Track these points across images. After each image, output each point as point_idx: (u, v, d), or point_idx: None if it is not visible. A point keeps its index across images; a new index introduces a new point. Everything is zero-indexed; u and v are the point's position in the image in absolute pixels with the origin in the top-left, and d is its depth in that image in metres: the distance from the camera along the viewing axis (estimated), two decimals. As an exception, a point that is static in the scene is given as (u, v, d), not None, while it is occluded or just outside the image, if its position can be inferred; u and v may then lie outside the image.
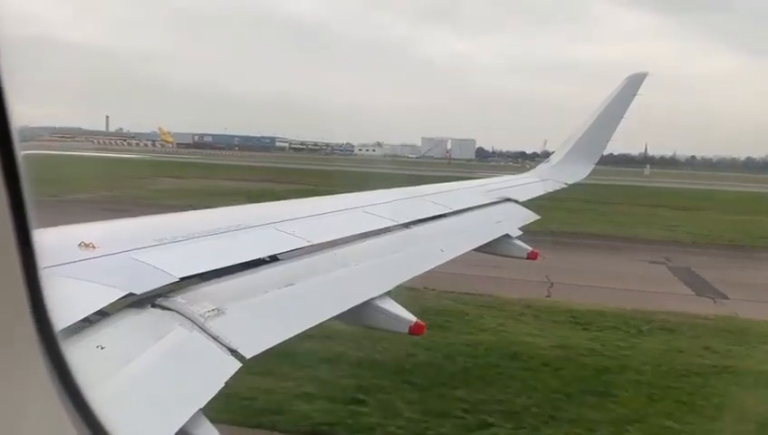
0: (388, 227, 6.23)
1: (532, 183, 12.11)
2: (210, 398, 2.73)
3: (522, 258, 8.46)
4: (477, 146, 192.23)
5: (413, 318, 4.64)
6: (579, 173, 13.29)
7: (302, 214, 5.69)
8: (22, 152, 1.35)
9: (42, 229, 3.66)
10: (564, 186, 12.75)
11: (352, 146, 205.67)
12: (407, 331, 4.64)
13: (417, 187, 9.82)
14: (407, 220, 6.61)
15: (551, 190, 12.07)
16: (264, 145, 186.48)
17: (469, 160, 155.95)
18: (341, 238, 5.36)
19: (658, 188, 70.13)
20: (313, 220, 5.65)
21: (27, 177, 1.36)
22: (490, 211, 9.01)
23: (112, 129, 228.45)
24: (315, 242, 4.93)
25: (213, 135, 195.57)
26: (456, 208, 8.00)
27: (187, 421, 2.55)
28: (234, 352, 3.07)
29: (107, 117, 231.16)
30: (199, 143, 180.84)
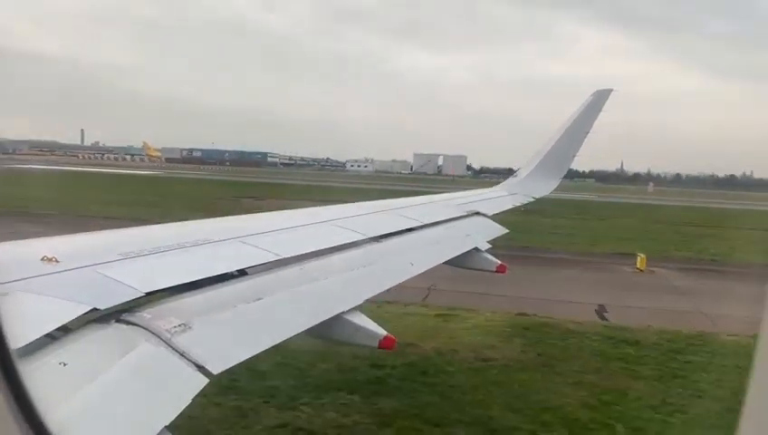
0: (359, 241, 6.22)
1: (500, 197, 12.26)
2: (176, 415, 2.68)
3: (490, 271, 8.54)
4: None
5: (383, 332, 4.63)
6: (546, 187, 13.51)
7: (271, 228, 5.65)
8: None
9: (1, 243, 3.58)
10: (532, 200, 12.93)
11: (342, 162, 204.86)
12: (377, 345, 4.62)
13: (388, 200, 9.83)
14: (377, 234, 6.62)
15: (518, 204, 12.24)
16: (254, 160, 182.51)
17: (462, 177, 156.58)
18: (311, 252, 5.33)
19: (703, 207, 64.36)
20: (283, 234, 5.62)
21: None
22: (459, 225, 9.07)
23: (88, 142, 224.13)
24: (284, 256, 4.89)
25: (202, 150, 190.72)
26: (426, 222, 8.04)
27: None
28: (201, 368, 3.03)
29: (82, 130, 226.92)
30: (188, 158, 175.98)
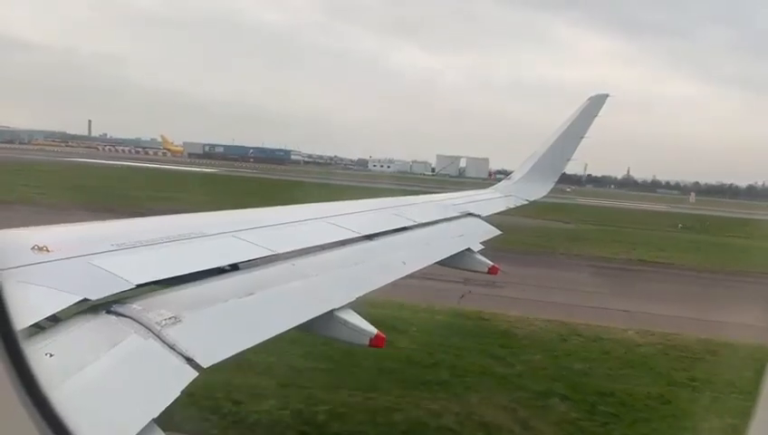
0: (352, 239, 6.22)
1: (494, 199, 12.27)
2: (164, 408, 2.66)
3: (482, 273, 8.55)
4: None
5: (374, 330, 4.62)
6: (540, 190, 13.54)
7: (264, 223, 5.63)
8: None
9: None
10: (525, 202, 12.96)
11: (354, 160, 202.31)
12: (367, 343, 4.62)
13: (382, 199, 9.81)
14: (370, 232, 6.61)
15: (512, 206, 12.26)
16: (278, 158, 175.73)
17: (485, 179, 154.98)
18: (304, 248, 5.33)
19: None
20: (276, 230, 5.61)
21: None
22: (453, 225, 9.08)
23: (95, 134, 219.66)
24: (277, 251, 4.88)
25: (224, 145, 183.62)
26: (419, 221, 8.04)
27: (140, 431, 2.49)
28: (190, 361, 3.01)
29: (89, 121, 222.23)
30: (210, 154, 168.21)
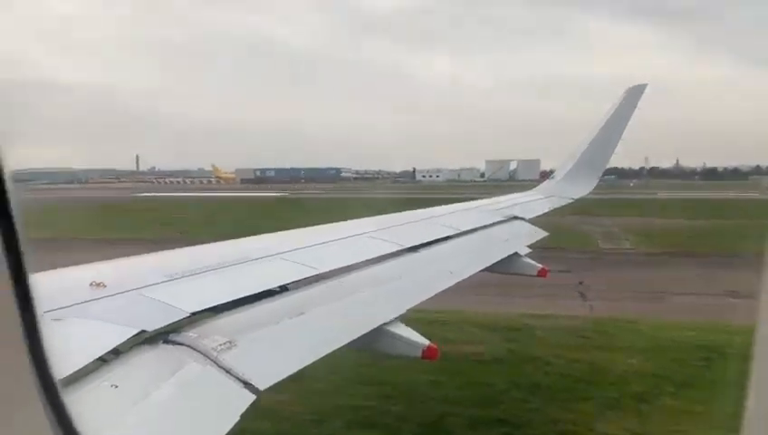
0: (397, 252, 6.23)
1: (537, 200, 12.12)
2: (225, 432, 2.72)
3: (532, 276, 8.44)
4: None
5: (426, 342, 4.60)
6: (584, 188, 13.30)
7: (308, 243, 5.71)
8: (16, 195, 1.25)
9: (51, 271, 3.70)
10: (570, 201, 12.74)
11: (412, 172, 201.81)
12: (420, 355, 4.60)
13: (424, 210, 9.81)
14: (415, 244, 6.62)
15: (557, 206, 12.08)
16: (329, 177, 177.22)
17: (535, 181, 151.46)
18: (350, 265, 5.37)
19: None
20: (320, 249, 5.67)
21: (20, 219, 1.26)
22: (498, 230, 9.01)
23: (143, 168, 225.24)
24: (324, 270, 4.94)
25: (275, 169, 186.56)
26: (463, 229, 8.00)
27: None
28: (247, 385, 3.07)
29: (137, 156, 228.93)
30: (262, 178, 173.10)
